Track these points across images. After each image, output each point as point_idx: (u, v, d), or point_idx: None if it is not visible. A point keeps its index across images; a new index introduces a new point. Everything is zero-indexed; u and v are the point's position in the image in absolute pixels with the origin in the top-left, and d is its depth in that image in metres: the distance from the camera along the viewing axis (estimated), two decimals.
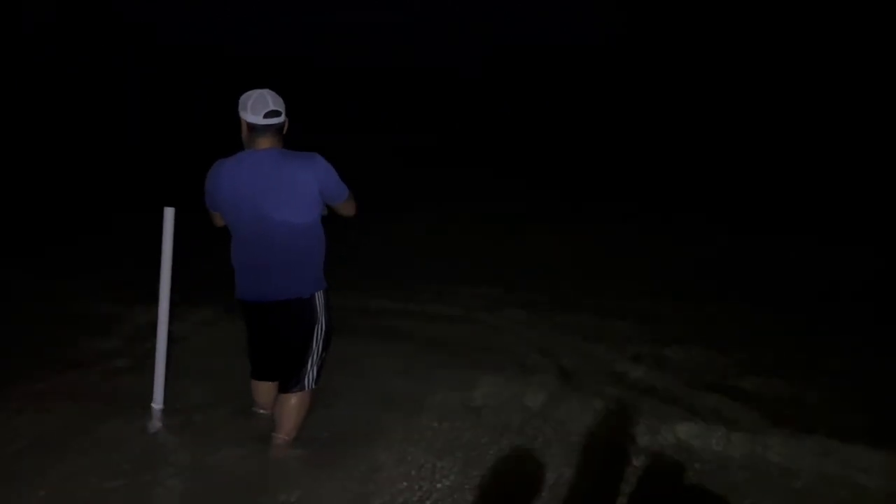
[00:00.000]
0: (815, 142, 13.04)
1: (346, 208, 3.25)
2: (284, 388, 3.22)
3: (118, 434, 3.31)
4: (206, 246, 3.91)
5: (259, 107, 3.03)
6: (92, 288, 5.59)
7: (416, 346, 4.50)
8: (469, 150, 14.58)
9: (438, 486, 2.98)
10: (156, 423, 3.44)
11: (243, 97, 3.09)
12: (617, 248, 7.39)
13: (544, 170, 12.59)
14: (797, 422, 3.47)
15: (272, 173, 3.00)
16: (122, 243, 7.09)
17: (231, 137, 3.15)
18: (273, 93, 3.10)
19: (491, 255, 7.11)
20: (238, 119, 3.12)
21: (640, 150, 14.28)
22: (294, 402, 3.21)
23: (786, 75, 16.06)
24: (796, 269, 6.60)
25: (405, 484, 2.98)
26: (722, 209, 9.17)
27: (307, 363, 3.18)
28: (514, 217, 8.70)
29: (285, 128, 3.16)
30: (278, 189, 3.00)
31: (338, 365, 3.61)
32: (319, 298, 3.18)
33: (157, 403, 3.51)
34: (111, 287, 5.56)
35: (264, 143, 3.07)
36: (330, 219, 3.22)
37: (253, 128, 3.05)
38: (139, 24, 18.66)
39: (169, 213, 3.40)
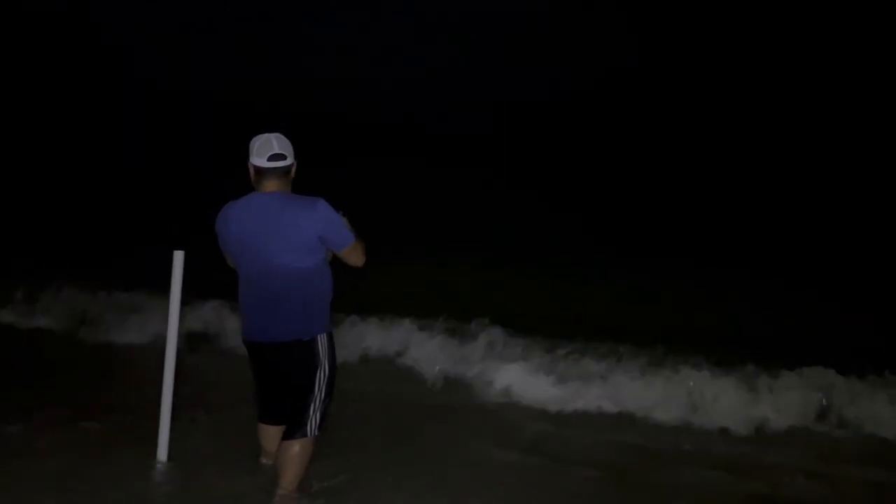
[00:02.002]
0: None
1: (350, 256, 3.19)
2: (287, 435, 3.17)
3: (121, 491, 3.22)
4: (212, 288, 3.79)
5: (264, 150, 3.07)
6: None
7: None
8: None
9: None
10: (160, 479, 3.36)
11: (251, 141, 3.13)
12: None
13: None
14: None
15: (274, 217, 3.02)
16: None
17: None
18: (280, 136, 3.13)
19: None
20: (247, 164, 3.14)
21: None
22: (297, 450, 3.15)
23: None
24: None
25: None
26: None
27: (309, 408, 3.13)
28: None
29: (293, 171, 3.19)
30: (279, 233, 3.02)
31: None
32: (322, 342, 3.15)
33: (163, 457, 3.42)
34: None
35: (270, 185, 3.10)
36: None
37: (259, 171, 3.09)
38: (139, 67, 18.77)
39: (178, 257, 3.35)
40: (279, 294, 3.08)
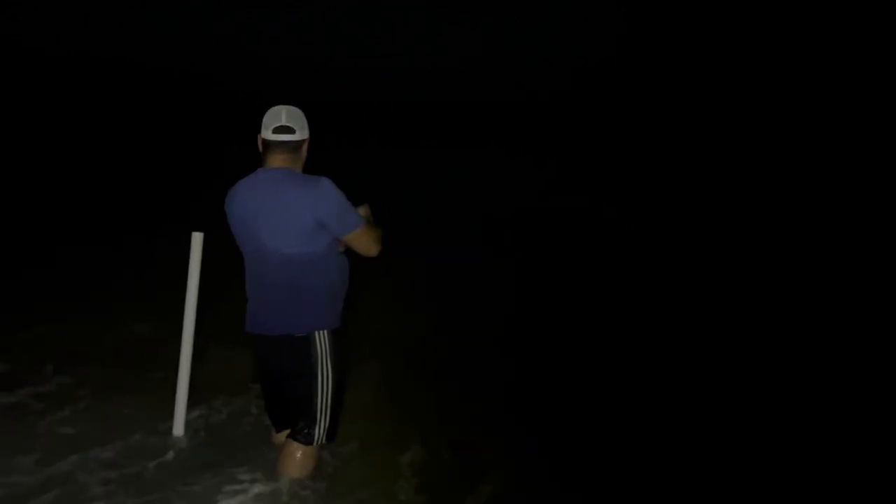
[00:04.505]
0: None
1: (358, 243, 2.89)
2: (292, 434, 2.98)
3: (135, 462, 3.21)
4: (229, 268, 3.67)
5: (271, 121, 2.86)
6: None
7: None
8: None
9: None
10: (174, 451, 3.33)
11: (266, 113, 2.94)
12: None
13: None
14: None
15: (272, 196, 2.79)
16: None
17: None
18: (293, 109, 2.90)
19: None
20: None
21: None
22: (299, 456, 2.98)
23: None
24: None
25: None
26: None
27: (315, 413, 2.91)
28: None
29: (303, 148, 2.93)
30: (275, 214, 2.78)
31: None
32: (322, 339, 2.90)
33: (178, 432, 3.42)
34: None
35: (275, 161, 2.87)
36: None
37: (265, 144, 2.87)
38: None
39: (197, 238, 3.29)
40: (273, 282, 2.86)
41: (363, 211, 3.02)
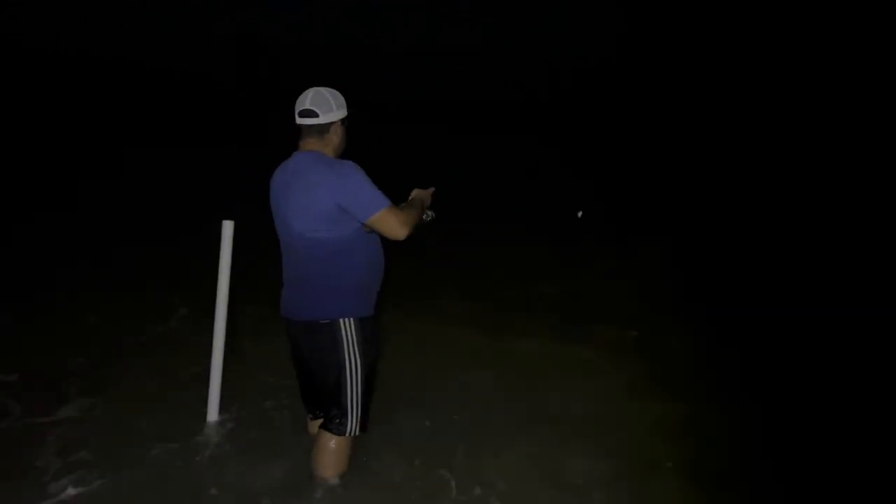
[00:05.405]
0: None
1: (382, 226, 2.73)
2: (325, 424, 2.96)
3: (166, 449, 3.26)
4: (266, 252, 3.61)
5: (298, 105, 2.85)
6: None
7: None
8: None
9: None
10: (208, 438, 3.37)
11: None
12: None
13: None
14: None
15: (297, 179, 2.77)
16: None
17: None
18: (321, 91, 2.85)
19: None
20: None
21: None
22: (333, 447, 2.95)
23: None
24: None
25: None
26: None
27: (346, 404, 2.88)
28: None
29: (331, 131, 2.87)
30: (297, 197, 2.76)
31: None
32: (347, 327, 2.85)
33: (212, 417, 3.45)
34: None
35: (305, 144, 2.87)
36: None
37: (297, 128, 2.88)
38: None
39: (228, 227, 3.32)
40: (301, 265, 2.86)
41: (417, 192, 3.06)
